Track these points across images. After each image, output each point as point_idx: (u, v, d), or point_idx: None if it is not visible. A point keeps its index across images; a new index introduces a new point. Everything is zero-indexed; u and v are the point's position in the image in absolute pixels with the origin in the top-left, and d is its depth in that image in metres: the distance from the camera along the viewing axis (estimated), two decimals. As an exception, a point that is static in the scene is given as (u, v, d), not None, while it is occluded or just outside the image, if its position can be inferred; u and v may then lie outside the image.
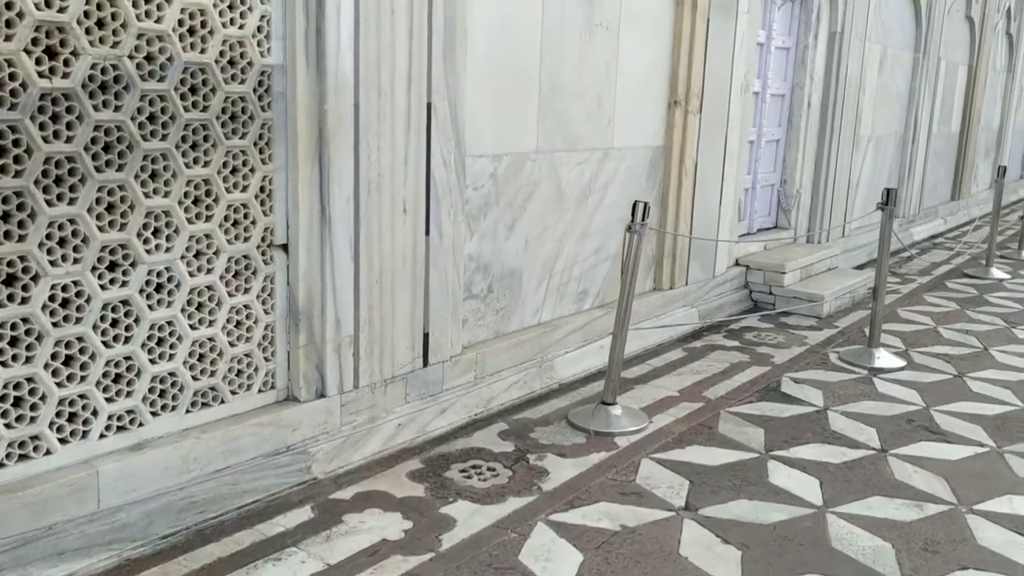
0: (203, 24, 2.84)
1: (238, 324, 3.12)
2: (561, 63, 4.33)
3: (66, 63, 2.53)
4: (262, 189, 3.11)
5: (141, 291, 2.82)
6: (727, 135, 5.66)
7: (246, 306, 3.13)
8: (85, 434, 2.74)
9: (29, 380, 2.59)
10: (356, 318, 3.39)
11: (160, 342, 2.91)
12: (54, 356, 2.64)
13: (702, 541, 2.95)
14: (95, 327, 2.72)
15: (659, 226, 5.32)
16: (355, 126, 3.24)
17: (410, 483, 3.27)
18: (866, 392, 4.53)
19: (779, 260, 6.26)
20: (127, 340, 2.80)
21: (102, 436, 2.78)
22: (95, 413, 2.76)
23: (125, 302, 2.78)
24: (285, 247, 3.21)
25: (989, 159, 12.16)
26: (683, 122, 5.23)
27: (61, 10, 2.50)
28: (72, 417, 2.71)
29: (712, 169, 5.59)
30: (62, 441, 2.69)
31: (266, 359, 3.23)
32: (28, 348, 2.58)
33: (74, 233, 2.63)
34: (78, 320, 2.67)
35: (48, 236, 2.57)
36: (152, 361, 2.88)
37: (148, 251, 2.81)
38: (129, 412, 2.85)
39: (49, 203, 2.55)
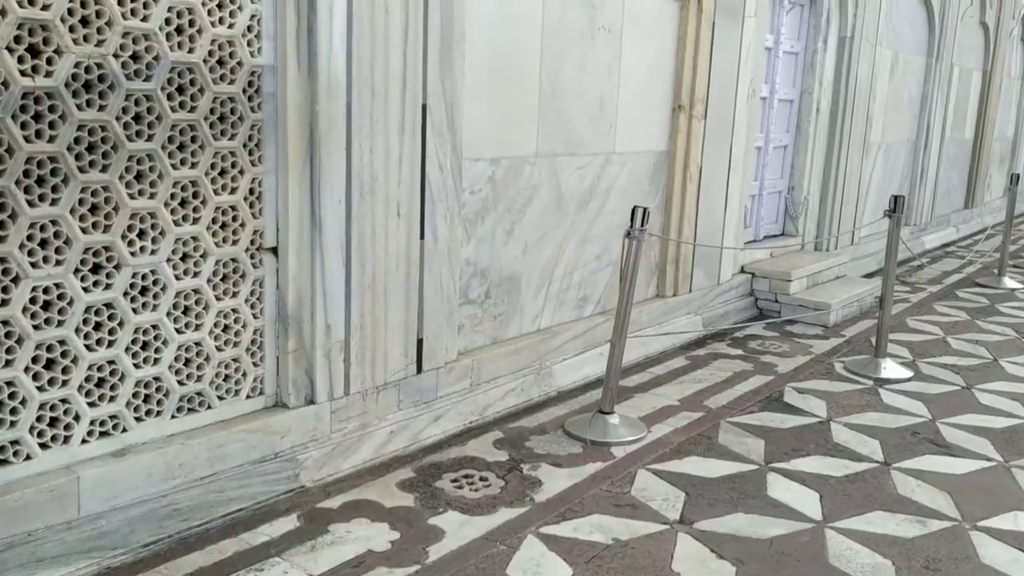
0: (191, 23, 2.79)
1: (226, 328, 3.07)
2: (562, 66, 4.27)
3: (49, 61, 2.49)
4: (251, 191, 3.06)
5: (125, 294, 2.77)
6: (732, 141, 5.58)
7: (234, 310, 3.08)
8: (67, 439, 2.70)
9: (9, 384, 2.54)
10: (347, 323, 3.33)
11: (145, 346, 2.85)
12: (35, 359, 2.59)
13: (696, 556, 2.88)
14: (77, 330, 2.67)
15: (662, 232, 5.25)
16: (347, 127, 3.19)
17: (400, 492, 3.21)
18: (871, 403, 4.44)
19: (786, 267, 6.17)
20: (111, 344, 2.76)
21: (84, 441, 2.74)
22: (77, 418, 2.71)
23: (109, 305, 2.73)
24: (275, 250, 3.16)
25: (1003, 167, 12.02)
26: (687, 127, 5.16)
27: (44, 7, 2.45)
28: (53, 422, 2.67)
29: (717, 175, 5.51)
30: (43, 446, 2.64)
31: (254, 364, 3.17)
32: (8, 351, 2.53)
33: (56, 234, 2.58)
34: (60, 323, 2.63)
35: (29, 237, 2.52)
36: (136, 365, 2.83)
37: (133, 253, 2.76)
38: (112, 417, 2.80)
39: (31, 203, 2.51)
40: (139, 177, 2.75)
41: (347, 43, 3.13)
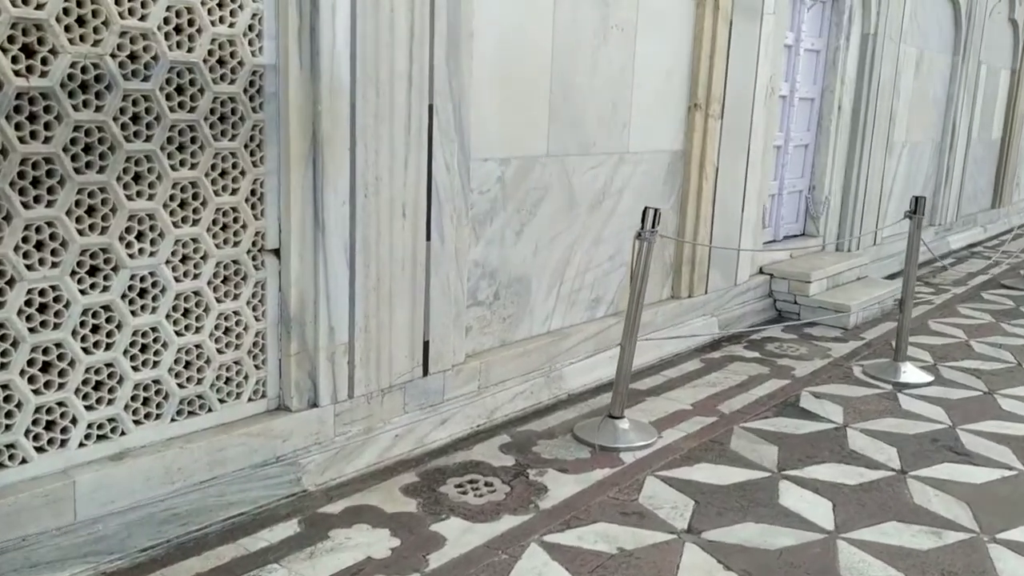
0: (191, 22, 2.76)
1: (227, 331, 3.04)
2: (574, 64, 4.20)
3: (44, 61, 2.46)
4: (253, 192, 3.02)
5: (123, 296, 2.74)
6: (750, 140, 5.48)
7: (235, 312, 3.04)
8: (63, 443, 2.67)
9: (4, 387, 2.52)
10: (351, 325, 3.29)
11: (144, 349, 2.82)
12: (31, 362, 2.57)
13: (703, 567, 2.80)
14: (74, 333, 2.64)
15: (678, 233, 5.16)
16: (351, 127, 3.14)
17: (403, 498, 3.16)
18: (889, 408, 4.34)
19: (805, 268, 6.06)
20: (108, 346, 2.73)
21: (81, 445, 2.71)
22: (74, 421, 2.68)
23: (106, 307, 2.70)
24: (277, 252, 3.12)
25: (1032, 166, 11.79)
26: (703, 126, 5.07)
27: (39, 7, 2.43)
28: (50, 425, 2.64)
29: (734, 175, 5.42)
30: (38, 450, 2.62)
31: (256, 367, 3.14)
32: (3, 354, 2.51)
33: (52, 236, 2.55)
34: (56, 326, 2.60)
35: (24, 239, 2.50)
36: (135, 368, 2.80)
37: (131, 255, 2.73)
38: (110, 420, 2.77)
39: (25, 205, 2.48)
40: (137, 178, 2.72)
41: (351, 42, 3.08)
